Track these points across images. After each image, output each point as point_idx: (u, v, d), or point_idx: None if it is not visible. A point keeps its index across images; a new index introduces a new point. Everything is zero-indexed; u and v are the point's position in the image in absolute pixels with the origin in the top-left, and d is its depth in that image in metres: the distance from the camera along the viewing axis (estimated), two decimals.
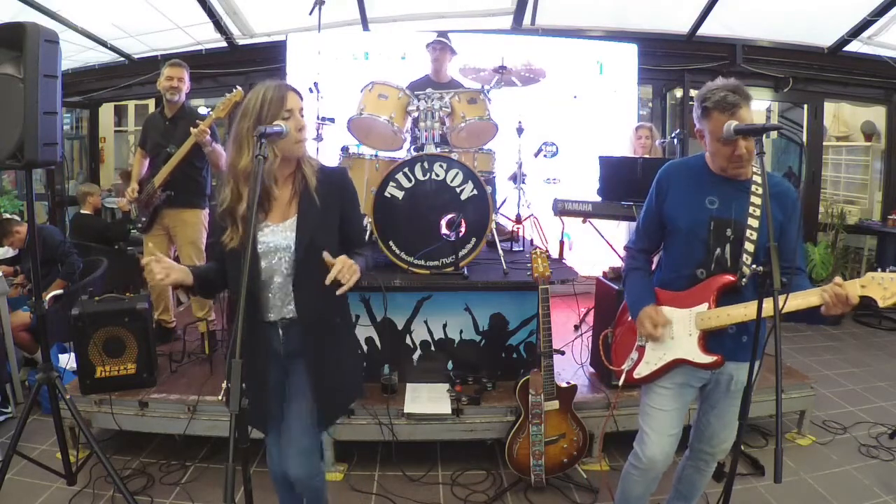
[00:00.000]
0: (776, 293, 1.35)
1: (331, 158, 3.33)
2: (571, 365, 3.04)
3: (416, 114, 3.03)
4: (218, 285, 1.69)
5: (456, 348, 2.84)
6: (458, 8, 5.03)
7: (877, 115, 6.07)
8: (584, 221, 3.37)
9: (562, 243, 3.82)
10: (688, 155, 4.84)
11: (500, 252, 2.93)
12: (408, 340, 2.83)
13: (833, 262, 5.17)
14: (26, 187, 2.06)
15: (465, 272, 2.76)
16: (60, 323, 3.01)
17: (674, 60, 5.35)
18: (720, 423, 1.77)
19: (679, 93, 5.59)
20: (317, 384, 1.62)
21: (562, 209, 3.30)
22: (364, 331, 2.76)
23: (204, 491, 2.42)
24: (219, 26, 4.92)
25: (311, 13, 3.93)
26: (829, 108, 6.00)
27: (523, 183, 3.66)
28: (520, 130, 3.64)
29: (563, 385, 2.43)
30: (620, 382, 1.81)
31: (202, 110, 3.72)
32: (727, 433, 1.76)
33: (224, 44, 5.27)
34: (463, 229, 2.72)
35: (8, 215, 4.44)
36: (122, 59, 5.51)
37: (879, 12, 4.47)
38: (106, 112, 6.85)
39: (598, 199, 3.42)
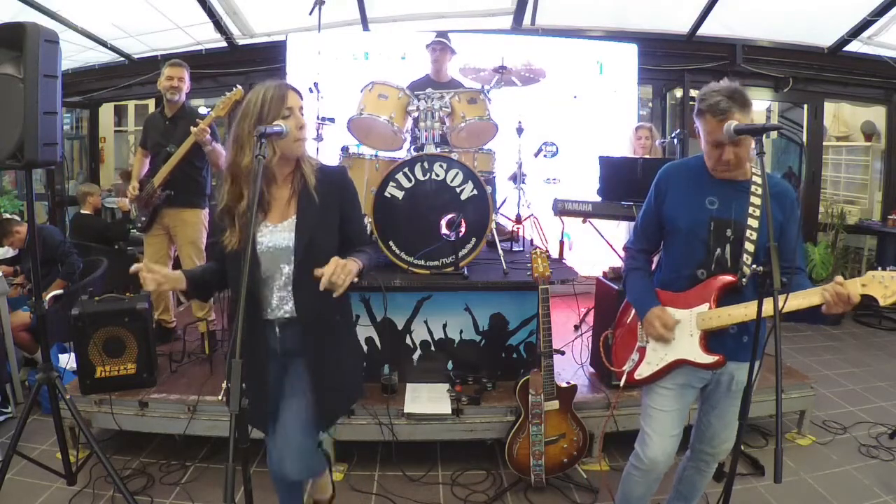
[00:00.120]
0: (776, 293, 1.35)
1: (331, 158, 3.32)
2: (571, 365, 3.05)
3: (416, 114, 3.03)
4: (214, 286, 1.70)
5: (456, 348, 2.84)
6: (458, 8, 5.03)
7: (877, 115, 6.07)
8: (584, 221, 3.37)
9: (562, 243, 3.82)
10: (688, 155, 4.85)
11: (500, 252, 2.93)
12: (408, 340, 2.83)
13: (833, 262, 5.17)
14: (26, 187, 2.06)
15: (465, 272, 2.76)
16: (60, 323, 3.01)
17: (674, 60, 5.35)
18: (721, 424, 1.77)
19: (679, 93, 5.59)
20: (316, 384, 1.62)
21: (562, 209, 3.30)
22: (364, 331, 2.76)
23: (204, 491, 2.42)
24: (219, 26, 4.92)
25: (311, 13, 3.93)
26: (829, 108, 6.00)
27: (523, 183, 3.66)
28: (520, 130, 3.64)
29: (563, 385, 2.43)
30: (622, 383, 1.81)
31: (202, 110, 3.72)
32: (728, 433, 1.76)
33: (224, 44, 5.27)
34: (463, 229, 2.72)
35: (8, 215, 4.44)
36: (122, 59, 5.51)
37: (879, 12, 4.47)
38: (106, 112, 6.85)
39: (598, 199, 3.42)
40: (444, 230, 2.73)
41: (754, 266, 1.60)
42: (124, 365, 2.65)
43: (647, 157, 4.12)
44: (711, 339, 1.68)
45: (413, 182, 2.69)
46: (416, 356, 2.84)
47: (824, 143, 5.97)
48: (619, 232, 3.76)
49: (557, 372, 2.60)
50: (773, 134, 6.12)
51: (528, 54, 3.74)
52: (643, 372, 1.77)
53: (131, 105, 7.44)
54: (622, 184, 3.31)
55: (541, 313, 2.36)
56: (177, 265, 3.38)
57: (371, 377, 2.71)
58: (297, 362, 1.64)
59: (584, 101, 4.97)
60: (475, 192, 2.70)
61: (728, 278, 1.64)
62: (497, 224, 3.27)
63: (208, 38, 5.24)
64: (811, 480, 2.53)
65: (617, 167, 3.43)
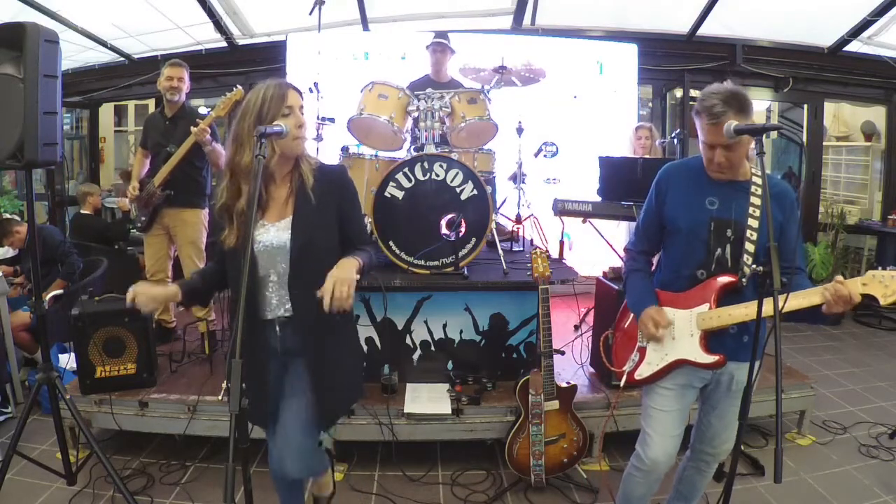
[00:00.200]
0: (776, 293, 1.35)
1: (331, 158, 3.32)
2: (571, 365, 3.04)
3: (416, 114, 3.03)
4: (214, 288, 1.71)
5: (456, 348, 2.84)
6: (458, 8, 5.03)
7: (877, 115, 6.07)
8: (584, 221, 3.37)
9: (562, 243, 3.82)
10: (688, 155, 4.85)
11: (500, 252, 2.93)
12: (408, 340, 2.83)
13: (833, 261, 5.17)
14: (26, 187, 2.06)
15: (465, 272, 2.76)
16: (60, 323, 3.01)
17: (674, 60, 5.35)
18: (721, 424, 1.77)
19: (679, 93, 5.59)
20: (316, 384, 1.62)
21: (562, 209, 3.30)
22: (364, 331, 2.76)
23: (204, 491, 2.42)
24: (219, 26, 4.92)
25: (311, 13, 3.93)
26: (829, 108, 6.00)
27: (523, 183, 3.66)
28: (520, 130, 3.64)
29: (563, 385, 2.43)
30: (622, 383, 1.81)
31: (202, 110, 3.72)
32: (728, 434, 1.76)
33: (224, 44, 5.27)
34: (463, 229, 2.72)
35: (8, 215, 4.44)
36: (122, 59, 5.51)
37: (879, 12, 4.48)
38: (106, 112, 6.85)
39: (598, 199, 3.42)
40: (444, 230, 2.73)
41: (754, 266, 1.60)
42: (124, 365, 2.65)
43: (648, 157, 4.12)
44: (711, 339, 1.68)
45: (413, 182, 2.69)
46: (416, 356, 2.84)
47: (824, 143, 5.97)
48: (619, 232, 3.77)
49: (557, 372, 2.60)
50: (773, 134, 6.12)
51: (528, 54, 3.75)
52: (643, 372, 1.77)
53: (131, 105, 7.44)
54: (622, 184, 3.31)
55: (541, 313, 2.36)
56: (177, 265, 3.39)
57: (371, 377, 2.71)
58: (298, 362, 1.64)
59: (584, 101, 4.97)
60: (475, 192, 2.70)
61: (728, 278, 1.64)
62: (497, 224, 3.27)
63: (208, 38, 5.24)
64: (811, 480, 2.53)
65: (617, 167, 3.43)
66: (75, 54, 5.23)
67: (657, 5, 4.98)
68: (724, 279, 1.64)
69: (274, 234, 1.57)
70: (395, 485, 2.50)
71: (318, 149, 3.61)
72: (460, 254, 2.73)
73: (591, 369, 2.99)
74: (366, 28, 5.05)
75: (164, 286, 1.57)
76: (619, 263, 2.98)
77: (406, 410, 2.56)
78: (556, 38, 5.08)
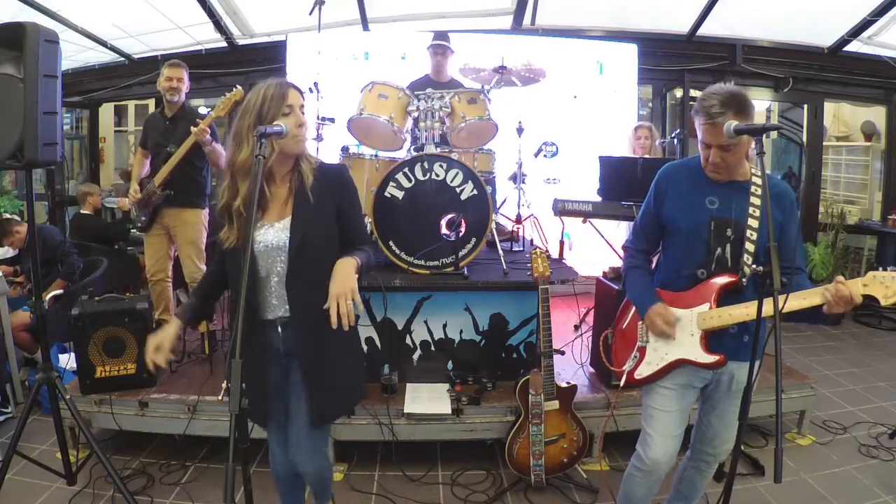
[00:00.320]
0: (776, 293, 1.35)
1: (331, 158, 3.31)
2: (571, 365, 3.04)
3: (416, 114, 3.03)
4: (212, 299, 1.73)
5: (456, 348, 2.84)
6: (458, 8, 5.02)
7: (877, 115, 6.07)
8: (584, 221, 3.37)
9: (562, 243, 3.82)
10: (688, 155, 4.85)
11: (500, 252, 2.93)
12: (408, 340, 2.83)
13: (833, 262, 5.17)
14: (26, 187, 2.06)
15: (465, 272, 2.76)
16: (60, 323, 3.01)
17: (674, 60, 5.35)
18: (721, 424, 1.77)
19: (679, 93, 5.59)
20: (317, 384, 1.62)
21: (562, 209, 3.30)
22: (364, 331, 2.76)
23: (204, 491, 2.42)
24: (219, 26, 4.92)
25: (311, 13, 3.93)
26: (829, 108, 6.00)
27: (523, 183, 3.66)
28: (520, 130, 3.64)
29: (563, 385, 2.43)
30: (622, 383, 1.81)
31: (202, 110, 3.73)
32: (729, 434, 1.76)
33: (224, 44, 5.27)
34: (463, 229, 2.72)
35: (8, 215, 4.44)
36: (122, 59, 5.51)
37: (879, 12, 4.47)
38: (106, 112, 6.85)
39: (598, 199, 3.42)
40: (444, 230, 2.73)
41: (754, 266, 1.60)
42: (124, 365, 2.65)
43: (647, 156, 4.12)
44: (712, 338, 1.68)
45: (413, 182, 2.69)
46: (416, 356, 2.84)
47: (824, 143, 5.97)
48: (619, 232, 3.76)
49: (557, 372, 2.60)
50: (773, 134, 6.12)
51: (528, 54, 3.75)
52: (643, 372, 1.77)
53: (131, 105, 7.44)
54: (622, 184, 3.31)
55: (541, 313, 2.36)
56: (177, 265, 3.39)
57: (371, 377, 2.71)
58: (300, 361, 1.64)
59: (584, 101, 4.97)
60: (475, 192, 2.70)
61: (729, 278, 1.64)
62: (497, 224, 3.27)
63: (208, 38, 5.24)
64: (811, 480, 2.53)
65: (617, 167, 3.43)
66: (75, 54, 5.23)
67: (657, 5, 4.98)
68: (724, 279, 1.64)
69: (273, 234, 1.57)
70: (395, 485, 2.50)
71: (318, 149, 3.60)
72: (460, 254, 2.73)
73: (591, 369, 2.99)
74: (366, 28, 5.05)
75: (164, 330, 1.57)
76: (619, 263, 2.97)
77: (406, 410, 2.56)
78: (556, 38, 5.08)
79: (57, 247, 3.65)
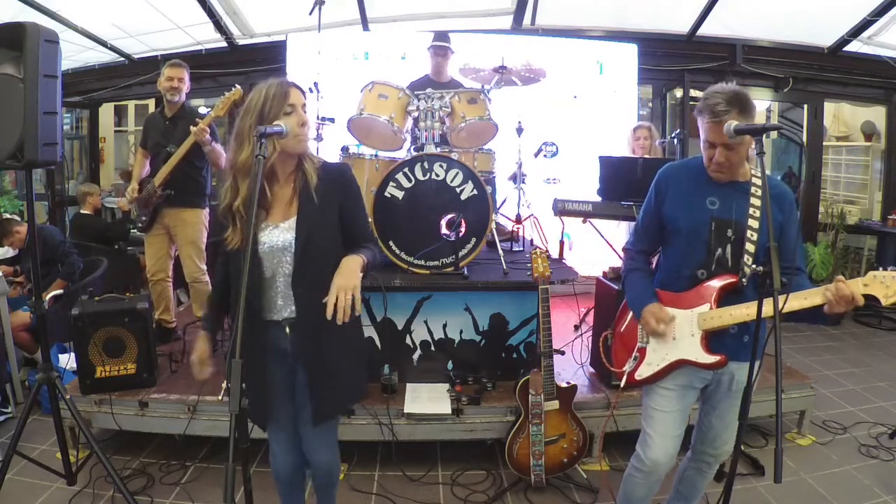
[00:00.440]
0: (776, 293, 1.35)
1: (331, 158, 3.30)
2: (571, 365, 3.04)
3: (416, 114, 3.02)
4: (227, 302, 1.73)
5: (456, 348, 2.84)
6: (458, 8, 5.02)
7: (877, 115, 6.07)
8: (584, 221, 3.37)
9: (562, 243, 3.82)
10: (688, 155, 4.85)
11: (500, 252, 2.93)
12: (408, 340, 2.83)
13: (833, 262, 5.17)
14: (26, 187, 2.06)
15: (465, 272, 2.76)
16: (60, 323, 3.01)
17: (674, 60, 5.34)
18: (722, 424, 1.77)
19: (679, 93, 5.59)
20: (321, 383, 1.62)
21: (562, 209, 3.30)
22: (364, 331, 2.75)
23: (204, 491, 2.42)
24: (219, 26, 4.92)
25: (311, 13, 3.93)
26: (829, 108, 6.00)
27: (523, 183, 3.65)
28: (520, 130, 3.64)
29: (563, 385, 2.43)
30: (622, 384, 1.81)
31: (202, 110, 3.72)
32: (729, 434, 1.76)
33: (224, 44, 5.27)
34: (463, 229, 2.72)
35: (8, 215, 4.44)
36: (122, 59, 5.51)
37: (879, 12, 4.47)
38: (106, 112, 6.85)
39: (598, 199, 3.42)
40: (444, 230, 2.73)
41: (755, 266, 1.60)
42: (124, 365, 2.65)
43: (648, 157, 4.12)
44: (712, 339, 1.68)
45: (413, 182, 2.69)
46: (416, 356, 2.84)
47: (824, 143, 5.97)
48: (619, 232, 3.76)
49: (557, 372, 2.60)
50: (774, 134, 6.12)
51: (528, 54, 3.74)
52: (644, 373, 1.77)
53: (131, 105, 7.44)
54: (622, 184, 3.31)
55: (541, 313, 2.36)
56: (177, 264, 3.39)
57: (371, 377, 2.71)
58: (305, 361, 1.64)
59: (584, 101, 4.97)
60: (475, 192, 2.70)
61: (729, 278, 1.64)
62: (497, 224, 3.27)
63: (208, 38, 5.23)
64: (811, 480, 2.53)
65: (617, 167, 3.43)
66: (75, 54, 5.23)
67: (657, 5, 4.98)
68: (725, 279, 1.64)
69: (278, 234, 1.57)
70: (395, 485, 2.50)
71: (318, 149, 3.60)
72: (460, 254, 2.73)
73: (591, 369, 2.99)
74: (366, 28, 5.05)
75: (198, 348, 1.67)
76: (619, 263, 2.97)
77: (406, 410, 2.56)
78: (556, 38, 5.08)
79: (57, 247, 3.65)
